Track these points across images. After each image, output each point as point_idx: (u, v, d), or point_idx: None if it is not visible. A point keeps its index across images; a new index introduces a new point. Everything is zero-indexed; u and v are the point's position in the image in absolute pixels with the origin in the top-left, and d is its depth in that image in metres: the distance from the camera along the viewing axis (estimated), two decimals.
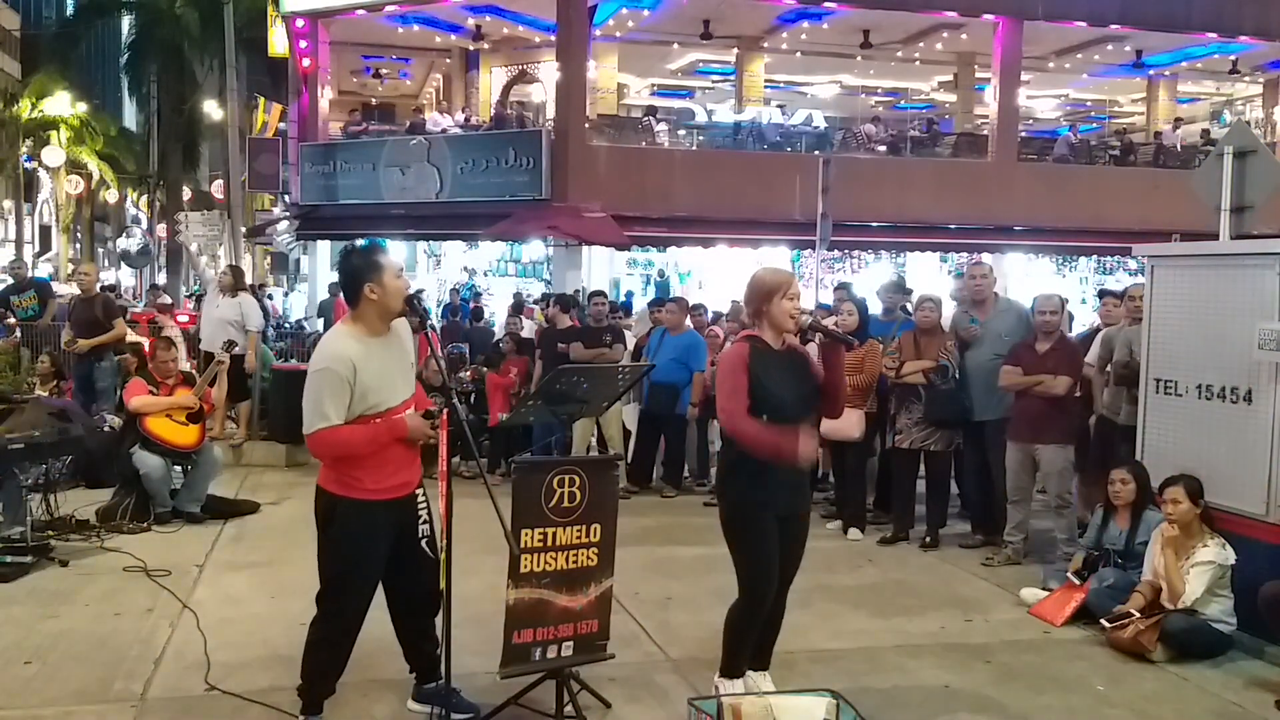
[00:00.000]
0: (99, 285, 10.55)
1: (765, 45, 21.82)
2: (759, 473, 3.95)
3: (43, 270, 31.88)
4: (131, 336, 10.54)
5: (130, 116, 53.18)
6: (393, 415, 3.80)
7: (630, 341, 9.42)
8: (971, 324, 6.97)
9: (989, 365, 6.69)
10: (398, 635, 4.13)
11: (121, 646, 4.82)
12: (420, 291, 4.72)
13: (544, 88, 21.49)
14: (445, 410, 3.77)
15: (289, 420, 8.84)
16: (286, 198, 22.51)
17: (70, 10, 45.87)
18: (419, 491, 3.99)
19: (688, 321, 8.67)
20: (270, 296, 17.67)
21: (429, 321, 3.82)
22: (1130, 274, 18.85)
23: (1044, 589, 5.82)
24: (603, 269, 17.92)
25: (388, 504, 3.83)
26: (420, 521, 3.98)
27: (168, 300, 14.21)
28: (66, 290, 18.70)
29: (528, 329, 11.14)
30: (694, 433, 8.80)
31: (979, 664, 4.86)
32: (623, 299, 16.73)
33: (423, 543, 3.96)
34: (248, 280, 14.11)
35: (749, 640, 4.13)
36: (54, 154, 33.44)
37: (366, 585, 3.88)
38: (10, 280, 13.42)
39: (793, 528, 4.09)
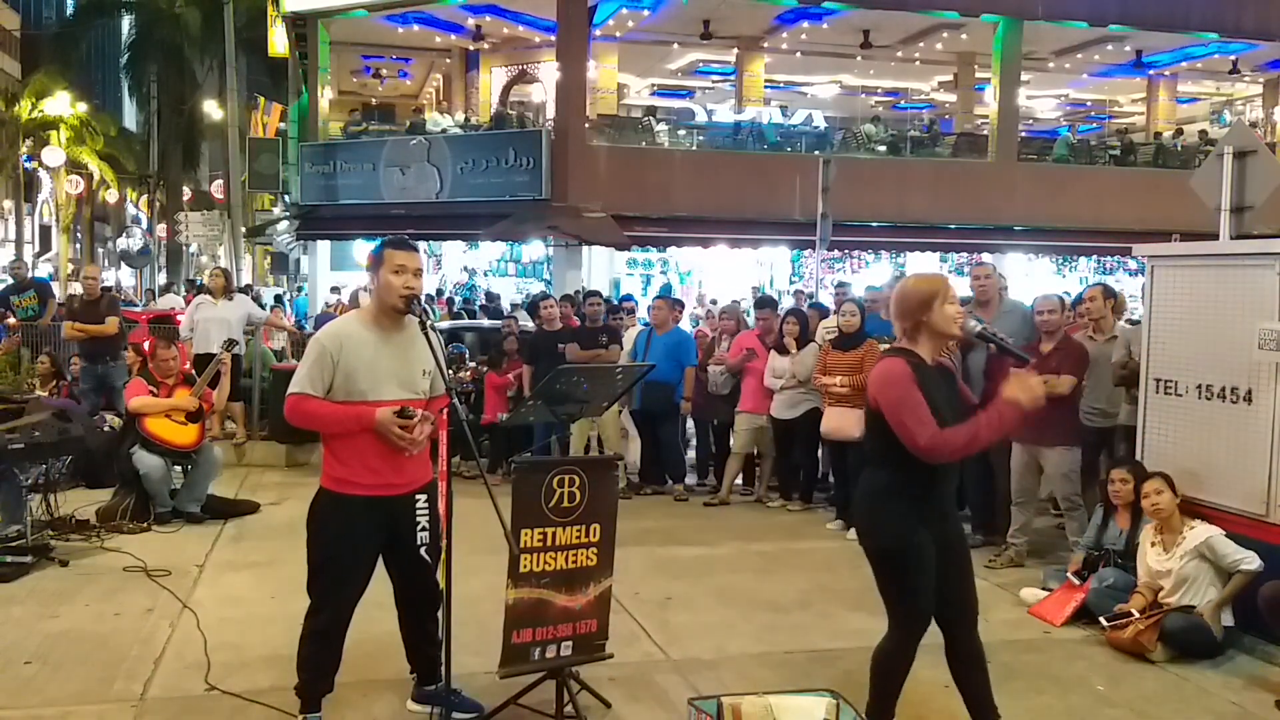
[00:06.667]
0: (101, 286, 10.55)
1: (765, 45, 21.82)
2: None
3: (43, 270, 31.85)
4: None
5: (130, 116, 53.09)
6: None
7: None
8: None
9: None
10: (401, 634, 4.13)
11: (121, 646, 4.83)
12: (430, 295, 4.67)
13: (544, 88, 21.49)
14: (445, 410, 3.75)
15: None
16: (286, 198, 22.48)
17: (70, 10, 45.90)
18: (419, 497, 3.94)
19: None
20: (258, 299, 17.35)
21: (429, 323, 3.80)
22: (1130, 274, 18.86)
23: (1044, 589, 5.82)
24: (603, 269, 17.92)
25: (367, 501, 3.80)
26: (418, 529, 3.94)
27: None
28: (74, 288, 18.56)
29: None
30: (699, 434, 8.77)
31: None
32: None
33: (420, 550, 3.94)
34: (245, 281, 14.11)
35: None
36: (54, 154, 33.35)
37: (344, 577, 3.84)
38: (10, 280, 13.42)
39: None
